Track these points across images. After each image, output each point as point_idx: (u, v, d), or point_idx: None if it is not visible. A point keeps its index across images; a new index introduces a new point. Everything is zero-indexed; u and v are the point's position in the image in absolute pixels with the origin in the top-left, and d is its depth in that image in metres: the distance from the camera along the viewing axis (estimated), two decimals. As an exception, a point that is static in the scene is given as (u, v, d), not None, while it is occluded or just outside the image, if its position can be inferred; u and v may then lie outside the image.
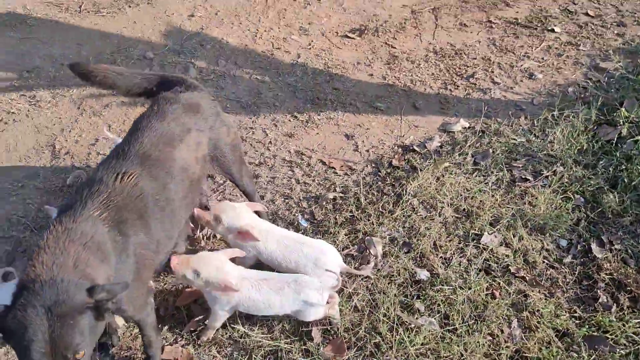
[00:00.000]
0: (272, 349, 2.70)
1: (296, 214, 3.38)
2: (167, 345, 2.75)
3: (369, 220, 3.28)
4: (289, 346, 2.69)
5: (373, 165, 3.74)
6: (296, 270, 2.79)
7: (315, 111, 4.18)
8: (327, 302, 2.68)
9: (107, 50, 4.73)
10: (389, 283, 2.95)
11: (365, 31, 5.03)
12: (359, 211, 3.36)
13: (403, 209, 3.35)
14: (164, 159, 2.44)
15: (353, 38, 4.97)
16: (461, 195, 3.42)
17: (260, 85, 4.42)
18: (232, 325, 2.76)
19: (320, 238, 3.19)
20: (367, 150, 3.86)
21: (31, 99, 4.24)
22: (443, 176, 3.55)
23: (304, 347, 2.69)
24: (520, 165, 3.65)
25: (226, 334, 2.77)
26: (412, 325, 2.74)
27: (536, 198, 3.39)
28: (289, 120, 4.11)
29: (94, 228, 2.10)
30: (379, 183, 3.57)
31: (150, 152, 2.41)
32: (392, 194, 3.47)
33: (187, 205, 2.61)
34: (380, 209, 3.36)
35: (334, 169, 3.71)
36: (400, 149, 3.86)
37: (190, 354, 2.71)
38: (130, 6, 5.26)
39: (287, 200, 3.50)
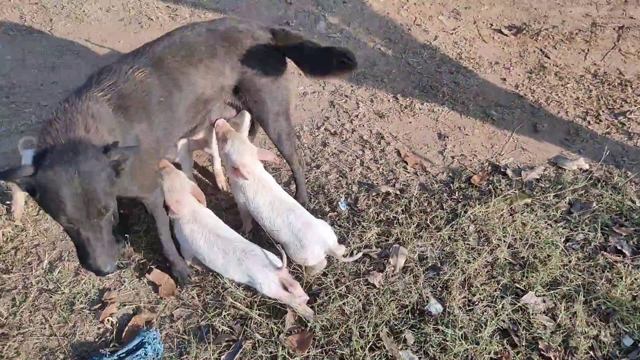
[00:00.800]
0: (244, 314, 2.60)
1: (341, 195, 3.17)
2: (159, 269, 2.81)
3: (409, 227, 2.94)
4: (259, 318, 2.56)
5: (450, 174, 3.32)
6: (277, 234, 2.67)
7: (421, 99, 3.82)
8: (290, 291, 2.52)
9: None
10: (391, 300, 2.63)
11: (524, 31, 4.41)
12: (404, 215, 3.03)
13: (452, 230, 2.93)
14: (175, 69, 2.45)
15: (506, 35, 4.40)
16: (527, 240, 2.88)
17: (379, 58, 4.16)
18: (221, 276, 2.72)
19: (349, 227, 2.96)
20: (453, 157, 3.44)
21: (172, 12, 4.53)
22: (518, 212, 3.02)
23: (272, 325, 2.54)
24: (623, 234, 2.94)
25: (212, 282, 2.75)
26: (389, 354, 2.42)
27: (621, 278, 2.72)
28: (388, 101, 3.82)
29: (98, 105, 2.17)
30: (444, 195, 3.17)
31: (165, 58, 2.43)
32: (450, 210, 3.06)
33: (190, 119, 2.61)
34: (427, 222, 2.99)
35: (406, 164, 3.38)
36: (489, 167, 3.36)
37: (173, 286, 2.75)
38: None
39: (340, 179, 3.28)
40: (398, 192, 3.18)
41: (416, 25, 4.46)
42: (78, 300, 2.69)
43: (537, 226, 2.95)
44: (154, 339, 2.52)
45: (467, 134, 3.60)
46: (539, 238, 2.90)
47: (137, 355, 2.46)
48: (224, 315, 2.59)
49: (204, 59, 2.52)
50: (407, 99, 3.82)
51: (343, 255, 2.64)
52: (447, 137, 3.57)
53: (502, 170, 3.32)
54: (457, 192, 3.18)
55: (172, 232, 2.76)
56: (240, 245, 2.59)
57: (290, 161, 3.00)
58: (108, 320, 2.61)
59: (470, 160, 3.42)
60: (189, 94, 2.51)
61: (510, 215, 3.03)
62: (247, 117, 3.05)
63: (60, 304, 2.68)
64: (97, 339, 2.57)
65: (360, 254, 2.66)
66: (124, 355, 2.46)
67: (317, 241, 2.59)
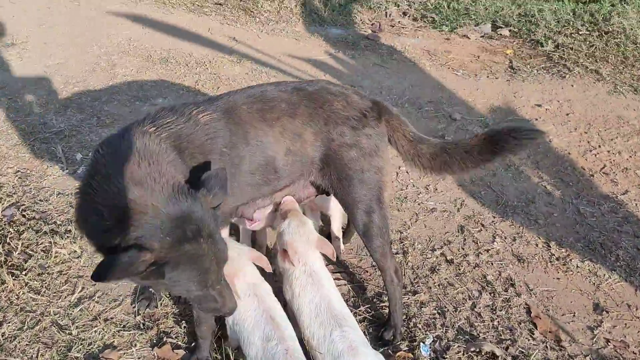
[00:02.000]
0: None
1: (429, 335, 2.36)
2: (170, 345, 2.30)
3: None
4: None
5: (597, 361, 2.30)
6: (315, 352, 2.00)
7: (583, 256, 2.88)
8: None
9: (426, 98, 4.48)
10: None
11: None
12: (505, 393, 2.09)
13: None
14: (246, 122, 2.06)
15: None
16: None
17: (541, 196, 3.35)
18: None
19: (422, 381, 2.13)
20: (608, 341, 2.40)
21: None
22: None
23: None
24: None
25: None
26: None
27: None
28: (536, 245, 2.96)
29: (144, 140, 1.85)
30: (577, 386, 2.16)
31: (239, 107, 2.07)
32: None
33: (255, 184, 2.13)
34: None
35: (535, 327, 2.45)
36: (663, 372, 2.25)
37: None
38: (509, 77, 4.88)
39: (437, 316, 2.49)
40: (508, 359, 2.26)
41: (603, 174, 3.58)
42: (77, 347, 2.29)
43: None
44: None
45: (638, 317, 2.54)
46: None
47: None
48: None
49: (282, 117, 2.11)
50: (564, 250, 2.92)
51: None
52: (607, 312, 2.56)
53: (683, 383, 2.20)
54: (598, 390, 2.15)
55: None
56: (288, 342, 1.98)
57: (381, 267, 2.33)
58: (91, 382, 2.15)
59: (634, 354, 2.35)
60: (257, 153, 2.09)
61: None
62: (335, 203, 2.54)
63: (60, 344, 2.32)
64: (67, 400, 2.10)
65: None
66: None
67: None
